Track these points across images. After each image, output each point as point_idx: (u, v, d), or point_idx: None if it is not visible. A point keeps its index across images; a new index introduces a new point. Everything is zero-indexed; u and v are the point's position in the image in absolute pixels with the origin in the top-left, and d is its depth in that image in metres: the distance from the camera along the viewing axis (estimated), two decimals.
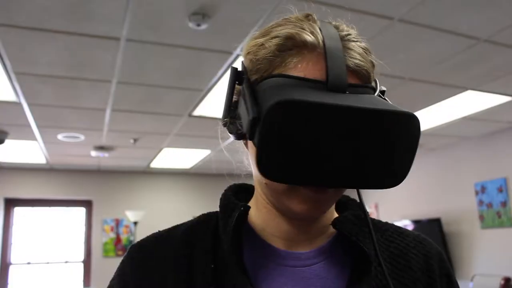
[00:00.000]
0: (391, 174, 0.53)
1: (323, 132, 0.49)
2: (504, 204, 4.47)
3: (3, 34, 2.30)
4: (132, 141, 4.64)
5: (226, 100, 0.61)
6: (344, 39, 0.58)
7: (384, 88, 0.61)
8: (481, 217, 4.68)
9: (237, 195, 0.69)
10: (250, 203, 0.66)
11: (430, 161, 5.51)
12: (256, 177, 0.64)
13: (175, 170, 6.46)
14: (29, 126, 3.95)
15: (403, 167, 0.53)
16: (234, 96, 0.60)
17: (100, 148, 4.88)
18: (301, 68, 0.55)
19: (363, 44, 0.59)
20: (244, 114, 0.54)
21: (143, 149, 5.07)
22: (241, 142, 0.66)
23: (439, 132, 4.59)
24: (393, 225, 0.72)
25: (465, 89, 3.33)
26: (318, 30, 0.57)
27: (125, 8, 2.09)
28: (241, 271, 0.57)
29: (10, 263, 5.76)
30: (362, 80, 0.57)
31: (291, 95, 0.49)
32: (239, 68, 0.60)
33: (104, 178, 6.30)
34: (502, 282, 4.08)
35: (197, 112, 3.72)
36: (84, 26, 2.24)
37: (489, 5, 2.16)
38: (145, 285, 0.61)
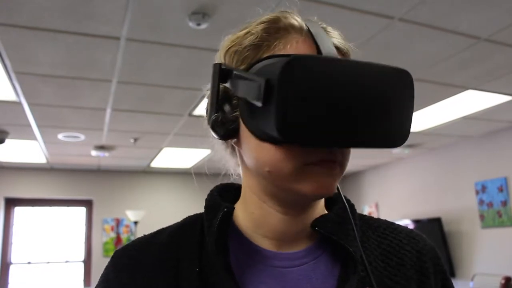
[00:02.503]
0: (400, 132, 0.54)
1: (342, 88, 0.49)
2: (504, 203, 4.47)
3: (3, 34, 2.30)
4: (132, 140, 4.64)
5: (212, 98, 0.58)
6: (321, 26, 0.61)
7: None
8: (482, 217, 4.68)
9: (223, 195, 0.67)
10: (237, 204, 0.65)
11: (431, 161, 5.50)
12: (249, 173, 0.62)
13: (175, 170, 6.46)
14: (29, 125, 3.96)
15: (408, 124, 0.55)
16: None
17: (101, 147, 4.88)
18: (291, 48, 0.56)
19: (338, 32, 0.62)
20: (249, 88, 0.52)
21: (144, 149, 5.07)
22: (223, 145, 0.66)
23: (439, 131, 4.59)
24: (385, 221, 0.70)
25: (465, 88, 3.33)
26: (298, 17, 0.61)
27: (125, 7, 2.09)
28: (227, 272, 0.56)
29: (11, 263, 5.76)
30: (345, 56, 0.60)
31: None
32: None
33: (104, 177, 6.30)
34: (503, 281, 4.08)
35: (198, 111, 3.72)
36: (84, 26, 2.24)
37: (489, 4, 2.16)
38: None
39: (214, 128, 0.59)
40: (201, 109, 3.65)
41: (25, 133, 4.19)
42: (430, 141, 5.03)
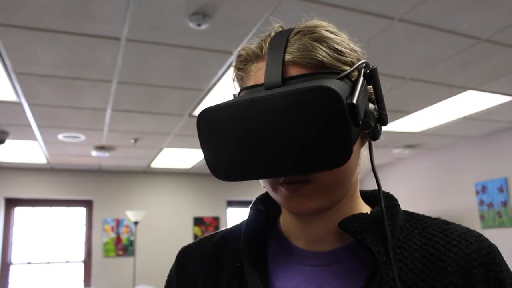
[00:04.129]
0: (331, 154, 0.50)
1: (240, 127, 0.53)
2: (504, 203, 4.47)
3: (3, 34, 2.30)
4: (132, 141, 4.64)
5: None
6: (292, 35, 0.58)
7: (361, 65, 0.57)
8: (482, 217, 4.68)
9: (266, 201, 0.71)
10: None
11: (431, 161, 5.50)
12: None
13: (175, 170, 6.46)
14: (29, 126, 3.96)
15: (342, 144, 0.49)
16: None
17: (101, 148, 4.88)
18: (254, 77, 0.60)
19: (317, 34, 0.57)
20: None
21: (144, 149, 5.07)
22: None
23: (439, 132, 4.59)
24: (440, 220, 0.66)
25: (465, 89, 3.33)
26: (268, 38, 0.61)
27: (125, 8, 2.09)
28: (252, 266, 0.62)
29: (11, 263, 5.76)
30: (314, 70, 0.56)
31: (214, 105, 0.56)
32: None
33: (104, 178, 6.30)
34: None
35: (198, 112, 3.72)
36: (84, 26, 2.24)
37: (489, 4, 2.16)
38: (182, 283, 0.70)
39: None
40: (202, 109, 3.65)
41: (25, 133, 4.19)
42: (430, 141, 5.03)
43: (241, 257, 0.65)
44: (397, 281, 0.55)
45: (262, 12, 2.17)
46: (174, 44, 2.48)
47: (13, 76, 2.85)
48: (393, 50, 2.63)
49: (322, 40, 0.57)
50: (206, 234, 0.77)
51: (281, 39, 0.58)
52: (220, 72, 2.89)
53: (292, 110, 0.50)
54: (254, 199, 0.72)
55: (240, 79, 0.63)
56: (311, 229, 0.63)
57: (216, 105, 0.55)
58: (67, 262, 5.99)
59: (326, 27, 0.60)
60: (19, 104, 3.37)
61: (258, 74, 0.59)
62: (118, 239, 6.16)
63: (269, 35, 0.62)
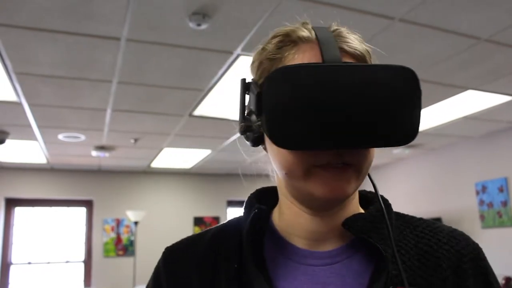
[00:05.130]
0: (402, 130, 0.54)
1: (324, 92, 0.51)
2: (504, 203, 4.47)
3: (3, 34, 2.30)
4: (132, 141, 4.64)
5: (240, 109, 0.64)
6: (335, 32, 0.62)
7: None
8: (482, 217, 4.68)
9: (260, 198, 0.71)
10: (276, 206, 0.69)
11: (431, 161, 5.50)
12: (278, 177, 0.65)
13: (175, 170, 6.46)
14: (29, 126, 3.96)
15: (413, 122, 0.55)
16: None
17: (101, 148, 4.88)
18: (298, 58, 0.59)
19: (356, 35, 0.63)
20: (252, 100, 0.58)
21: (144, 149, 5.07)
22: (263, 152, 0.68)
23: (439, 131, 4.59)
24: (427, 220, 0.69)
25: (465, 88, 3.33)
26: (311, 28, 0.62)
27: (125, 8, 2.09)
28: (259, 268, 0.60)
29: (11, 263, 5.76)
30: (359, 61, 0.60)
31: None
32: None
33: (104, 178, 6.30)
34: (503, 281, 4.08)
35: (198, 112, 3.72)
36: (84, 26, 2.24)
37: (489, 4, 2.16)
38: (174, 285, 0.66)
39: (245, 138, 0.65)
40: (202, 109, 3.65)
41: (25, 133, 4.19)
42: (430, 141, 5.03)
43: (239, 257, 0.63)
44: (403, 276, 0.57)
45: (262, 12, 2.17)
46: (174, 44, 2.48)
47: (13, 76, 2.85)
48: (393, 50, 2.63)
49: (362, 40, 0.62)
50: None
51: (327, 31, 0.60)
52: (220, 72, 2.89)
53: (378, 83, 0.52)
54: (248, 197, 0.71)
55: (271, 59, 0.61)
56: (316, 227, 0.63)
57: (292, 65, 0.53)
58: (67, 262, 5.99)
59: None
60: (19, 104, 3.37)
61: (306, 55, 0.59)
62: (118, 239, 6.16)
63: (303, 23, 0.63)
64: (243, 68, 2.78)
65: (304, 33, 0.61)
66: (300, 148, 0.53)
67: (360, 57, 0.60)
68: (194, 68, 2.81)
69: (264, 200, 0.70)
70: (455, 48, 2.63)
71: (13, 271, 5.75)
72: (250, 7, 2.13)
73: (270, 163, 0.69)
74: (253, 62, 0.66)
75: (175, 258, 0.68)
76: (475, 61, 2.83)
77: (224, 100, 3.43)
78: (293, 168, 0.56)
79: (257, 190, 0.73)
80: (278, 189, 0.67)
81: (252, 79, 0.64)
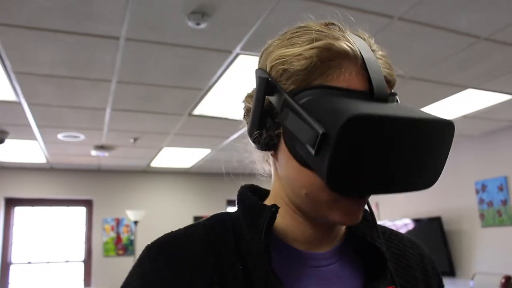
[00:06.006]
0: (432, 175, 0.57)
1: (392, 144, 0.52)
2: (504, 202, 4.47)
3: (3, 34, 2.30)
4: (132, 140, 4.64)
5: (255, 112, 0.60)
6: (371, 48, 0.60)
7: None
8: (482, 216, 4.68)
9: (254, 195, 0.68)
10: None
11: None
12: (282, 184, 0.63)
13: (175, 170, 6.46)
14: (29, 125, 3.96)
15: (440, 167, 0.57)
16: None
17: (100, 147, 4.88)
18: (344, 79, 0.56)
19: (384, 53, 0.63)
20: (301, 128, 0.53)
21: (143, 149, 5.07)
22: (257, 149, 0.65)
23: None
24: (387, 227, 0.76)
25: (465, 87, 3.33)
26: (350, 39, 0.58)
27: (124, 7, 2.09)
28: (273, 271, 0.57)
29: (11, 263, 5.76)
30: (392, 89, 0.62)
31: (356, 109, 0.50)
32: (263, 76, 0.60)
33: (104, 177, 6.30)
34: (503, 280, 4.08)
35: (197, 111, 3.72)
36: (84, 25, 2.24)
37: (489, 3, 2.16)
38: (174, 285, 0.58)
39: (255, 142, 0.62)
40: (201, 108, 3.65)
41: (25, 133, 4.19)
42: None
43: (242, 257, 0.59)
44: (394, 278, 0.64)
45: (262, 11, 2.17)
46: (173, 43, 2.48)
47: (13, 76, 2.84)
48: (393, 49, 2.63)
49: (389, 61, 0.63)
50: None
51: (367, 49, 0.59)
52: (220, 71, 2.88)
53: (429, 140, 0.54)
54: (241, 193, 0.67)
55: (310, 71, 0.56)
56: (311, 231, 0.64)
57: (371, 113, 0.50)
58: (67, 261, 5.99)
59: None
60: (18, 104, 3.37)
61: (352, 77, 0.56)
62: (118, 239, 6.17)
63: (346, 35, 0.59)
64: (242, 67, 2.78)
65: (349, 48, 0.57)
66: (354, 193, 0.55)
67: (392, 83, 0.62)
68: (194, 67, 2.81)
69: (257, 197, 0.68)
70: (455, 47, 2.63)
71: (13, 270, 5.75)
72: (249, 6, 2.13)
73: (263, 162, 0.70)
74: (275, 62, 0.59)
75: (169, 256, 0.60)
76: (475, 60, 2.83)
77: (223, 99, 3.42)
78: (318, 193, 0.56)
79: (247, 187, 0.70)
80: (277, 194, 0.65)
81: (272, 77, 0.58)
